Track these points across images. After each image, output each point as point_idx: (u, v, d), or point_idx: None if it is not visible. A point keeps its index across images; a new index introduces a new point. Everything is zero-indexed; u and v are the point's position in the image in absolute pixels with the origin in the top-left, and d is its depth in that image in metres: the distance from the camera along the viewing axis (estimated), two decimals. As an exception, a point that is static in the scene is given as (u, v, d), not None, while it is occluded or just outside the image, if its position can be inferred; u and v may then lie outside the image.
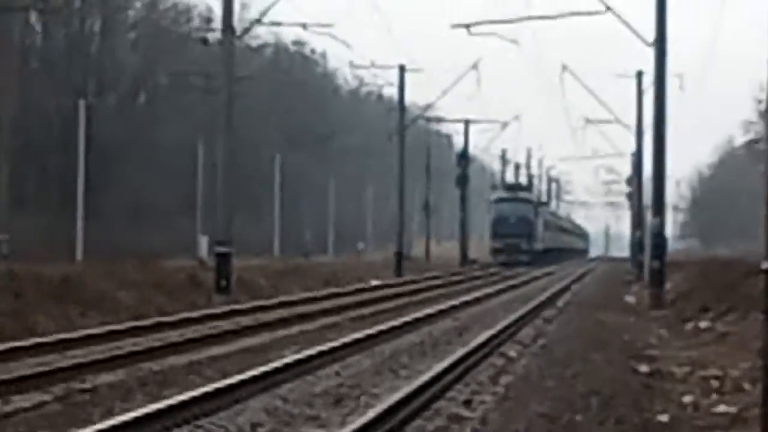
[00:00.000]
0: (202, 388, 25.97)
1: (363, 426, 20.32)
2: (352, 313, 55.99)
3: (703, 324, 46.75)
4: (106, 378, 29.95)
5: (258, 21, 76.98)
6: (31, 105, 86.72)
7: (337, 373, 31.08)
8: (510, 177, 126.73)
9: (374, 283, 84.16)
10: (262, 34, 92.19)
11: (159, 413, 22.28)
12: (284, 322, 49.55)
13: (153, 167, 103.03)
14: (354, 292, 72.46)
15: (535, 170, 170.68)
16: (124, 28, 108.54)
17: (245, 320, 49.31)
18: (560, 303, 63.15)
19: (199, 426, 22.66)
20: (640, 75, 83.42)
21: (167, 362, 34.30)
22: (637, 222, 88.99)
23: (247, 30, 75.50)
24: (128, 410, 22.83)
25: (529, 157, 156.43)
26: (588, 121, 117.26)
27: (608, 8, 66.47)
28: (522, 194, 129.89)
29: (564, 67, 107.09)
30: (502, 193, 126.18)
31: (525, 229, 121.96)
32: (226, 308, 55.47)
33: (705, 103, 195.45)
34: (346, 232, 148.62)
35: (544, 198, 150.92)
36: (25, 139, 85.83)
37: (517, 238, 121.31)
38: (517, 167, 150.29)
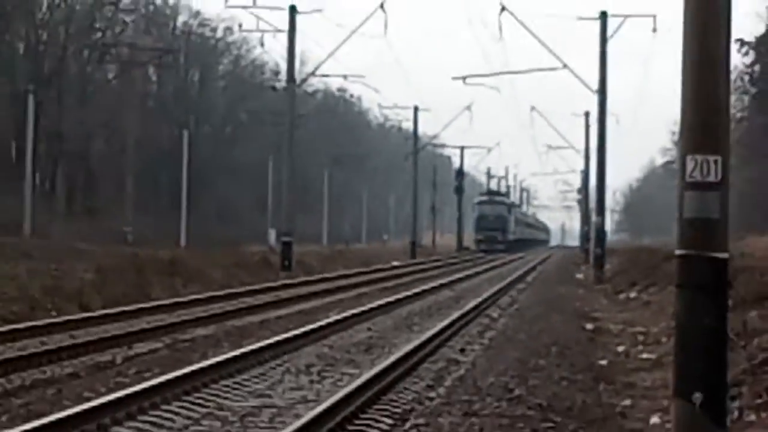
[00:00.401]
0: (271, 339, 26.84)
1: (387, 367, 21.11)
2: (379, 285, 55.33)
3: (632, 294, 46.93)
4: (201, 331, 30.79)
5: (312, 74, 77.80)
6: (148, 134, 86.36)
7: (368, 329, 31.77)
8: (493, 186, 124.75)
9: (395, 263, 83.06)
10: (315, 83, 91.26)
11: (240, 356, 23.09)
12: (329, 292, 49.09)
13: (236, 179, 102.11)
14: (380, 270, 70.33)
15: (511, 182, 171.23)
16: (216, 78, 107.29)
17: (302, 290, 48.55)
18: (529, 279, 62.98)
19: (270, 367, 23.15)
20: (587, 114, 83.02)
21: (246, 320, 34.92)
22: (585, 220, 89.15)
23: (304, 80, 75.38)
24: (218, 354, 23.98)
25: (506, 172, 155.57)
26: (550, 147, 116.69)
27: (565, 65, 67.43)
28: (498, 198, 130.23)
29: (532, 108, 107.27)
30: (482, 197, 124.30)
31: (500, 224, 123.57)
32: (288, 282, 55.13)
33: (635, 133, 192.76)
34: (374, 226, 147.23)
35: (516, 201, 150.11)
36: (144, 158, 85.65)
37: (494, 231, 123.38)
38: (498, 180, 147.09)
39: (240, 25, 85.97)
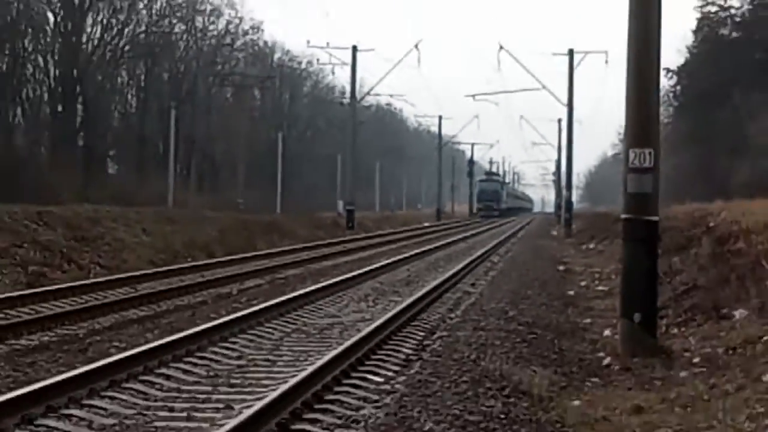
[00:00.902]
0: (340, 277, 26.78)
1: (421, 296, 21.34)
2: (414, 240, 53.62)
3: (591, 246, 46.48)
4: (291, 272, 30.61)
5: (367, 93, 79.14)
6: (254, 136, 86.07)
7: (407, 270, 31.53)
8: (493, 170, 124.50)
9: (425, 224, 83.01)
10: (370, 99, 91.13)
11: (319, 289, 23.02)
12: (380, 244, 48.59)
13: (315, 167, 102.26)
14: (416, 229, 69.32)
15: (507, 168, 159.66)
16: (301, 96, 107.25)
17: (361, 243, 47.19)
18: (519, 235, 63.25)
19: (339, 296, 23.01)
20: (560, 120, 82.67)
21: (322, 264, 34.60)
22: (558, 194, 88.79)
23: (362, 98, 76.11)
24: (303, 288, 23.64)
25: (503, 161, 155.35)
26: (534, 143, 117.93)
27: (544, 87, 67.66)
28: (494, 177, 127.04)
29: (521, 116, 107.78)
30: (482, 177, 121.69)
31: (495, 196, 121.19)
32: (351, 237, 54.74)
33: (593, 133, 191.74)
34: (411, 199, 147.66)
35: (508, 180, 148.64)
36: (251, 153, 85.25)
37: (490, 202, 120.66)
38: (497, 166, 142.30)
39: (318, 60, 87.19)
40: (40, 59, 69.23)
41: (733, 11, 69.23)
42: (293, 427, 9.73)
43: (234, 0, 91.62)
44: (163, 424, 10.02)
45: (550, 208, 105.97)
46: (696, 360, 15.10)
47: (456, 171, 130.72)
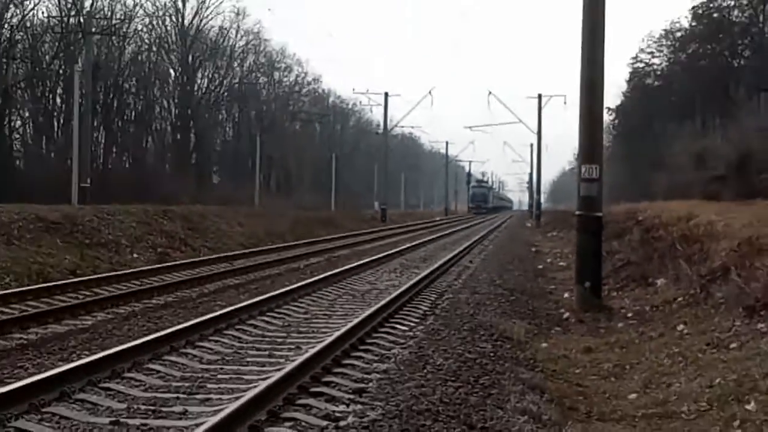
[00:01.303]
0: (376, 256, 26.10)
1: (434, 269, 21.01)
2: (429, 229, 51.59)
3: (554, 233, 45.60)
4: (342, 252, 30.10)
5: (395, 126, 78.44)
6: (315, 155, 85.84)
7: (424, 251, 30.80)
8: (481, 177, 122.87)
9: (437, 219, 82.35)
10: (397, 129, 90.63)
11: (362, 264, 22.77)
12: (405, 232, 45.63)
13: (358, 178, 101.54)
14: (430, 222, 68.81)
15: (494, 178, 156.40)
16: (348, 127, 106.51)
17: (391, 232, 45.55)
18: (502, 227, 62.69)
19: (376, 269, 22.65)
20: (532, 145, 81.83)
21: (365, 246, 33.76)
22: (531, 196, 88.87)
23: (391, 129, 75.40)
24: (351, 263, 23.05)
25: (491, 173, 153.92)
26: (514, 161, 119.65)
27: (521, 120, 67.32)
28: (483, 184, 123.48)
29: (505, 142, 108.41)
30: (474, 183, 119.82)
31: (483, 198, 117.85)
32: (384, 227, 52.70)
33: (556, 153, 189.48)
34: (427, 200, 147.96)
35: (495, 186, 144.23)
36: (314, 168, 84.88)
37: (480, 202, 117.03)
38: (487, 176, 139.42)
39: (360, 102, 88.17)
40: (165, 102, 69.82)
41: (655, 66, 69.17)
42: (343, 362, 9.71)
43: (301, 60, 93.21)
44: (252, 359, 10.09)
45: (525, 207, 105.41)
46: (629, 315, 15.20)
47: (458, 181, 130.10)
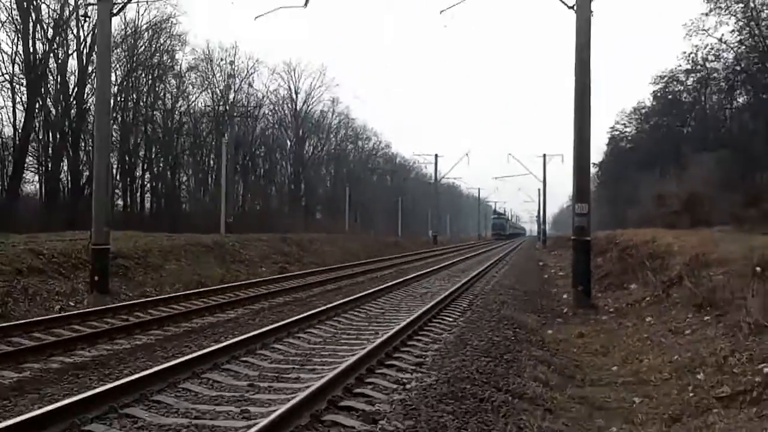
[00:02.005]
0: (430, 268, 25.76)
1: (471, 278, 20.68)
2: (467, 249, 51.11)
3: (556, 252, 45.52)
4: (406, 266, 29.38)
5: (442, 177, 77.29)
6: (387, 200, 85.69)
7: (464, 264, 29.98)
8: (500, 210, 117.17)
9: (471, 242, 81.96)
10: (444, 180, 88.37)
11: (421, 275, 22.45)
12: (450, 252, 45.21)
13: (417, 215, 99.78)
14: (467, 244, 68.67)
15: (512, 212, 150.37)
16: (410, 179, 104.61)
17: (440, 252, 45.17)
18: (518, 248, 61.82)
19: (429, 278, 22.25)
20: (539, 190, 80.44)
21: (422, 262, 32.99)
22: (539, 225, 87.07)
23: (439, 180, 74.47)
24: (413, 273, 22.62)
25: (511, 209, 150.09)
26: (525, 201, 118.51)
27: (530, 172, 66.45)
28: (501, 216, 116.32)
29: (519, 188, 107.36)
30: (494, 216, 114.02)
31: (502, 227, 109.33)
32: (436, 248, 51.41)
33: (557, 195, 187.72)
34: (465, 230, 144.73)
35: (511, 217, 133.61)
36: (386, 209, 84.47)
37: (499, 230, 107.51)
38: (507, 211, 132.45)
39: (417, 161, 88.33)
40: (283, 163, 70.64)
41: (626, 133, 68.36)
42: (408, 343, 9.69)
43: (377, 132, 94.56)
44: (345, 340, 10.14)
45: (535, 234, 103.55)
46: (611, 310, 15.00)
47: (486, 215, 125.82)
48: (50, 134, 39.16)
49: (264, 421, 5.28)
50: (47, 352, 8.73)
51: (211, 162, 54.36)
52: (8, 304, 12.53)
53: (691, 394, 7.49)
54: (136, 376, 6.82)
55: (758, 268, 11.28)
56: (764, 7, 36.43)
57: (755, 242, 14.50)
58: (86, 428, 5.62)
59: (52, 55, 38.02)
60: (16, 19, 35.91)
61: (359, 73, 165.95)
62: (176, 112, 50.68)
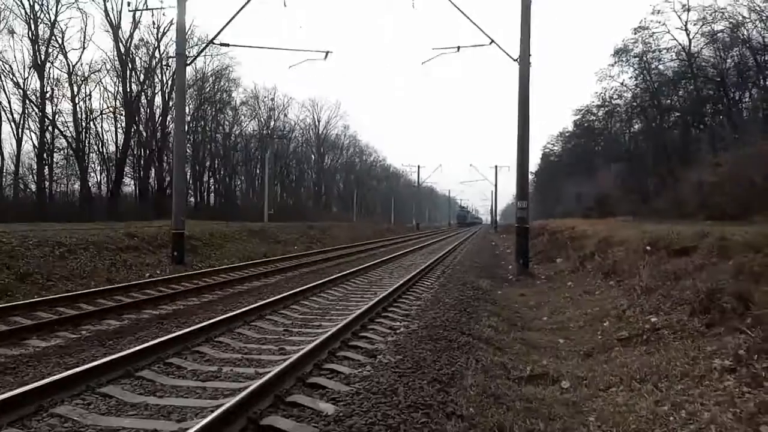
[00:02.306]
0: (414, 247, 25.23)
1: (441, 255, 20.35)
2: (441, 234, 50.82)
3: (504, 236, 44.69)
4: (396, 245, 28.30)
5: (423, 182, 76.27)
6: (383, 200, 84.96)
7: (437, 244, 29.36)
8: (464, 206, 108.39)
9: (444, 228, 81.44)
10: (425, 184, 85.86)
11: (407, 251, 21.93)
12: (428, 236, 44.35)
13: (405, 209, 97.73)
14: (441, 230, 68.33)
15: (473, 207, 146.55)
16: (399, 184, 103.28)
17: (422, 235, 44.64)
18: (477, 234, 61.18)
19: (413, 253, 21.70)
20: (491, 192, 79.57)
21: (407, 243, 31.54)
22: (493, 216, 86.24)
23: (421, 184, 73.13)
24: (401, 251, 22.20)
25: (472, 205, 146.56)
26: (483, 199, 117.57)
27: (486, 178, 65.67)
28: (463, 209, 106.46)
29: (480, 190, 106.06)
30: (459, 209, 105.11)
31: (464, 218, 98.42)
32: (418, 233, 51.02)
33: (506, 194, 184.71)
34: (438, 219, 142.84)
35: (472, 211, 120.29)
36: (383, 205, 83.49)
37: (462, 220, 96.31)
38: (469, 206, 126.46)
39: (406, 170, 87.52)
40: (309, 172, 70.11)
41: (555, 150, 68.18)
42: (400, 299, 9.65)
43: (378, 149, 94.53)
44: (353, 298, 10.02)
45: (489, 223, 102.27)
46: (543, 277, 14.88)
47: (453, 209, 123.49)
48: (142, 150, 39.21)
49: (294, 356, 5.27)
50: (140, 306, 8.71)
51: (257, 171, 54.24)
52: (112, 273, 12.54)
53: (599, 337, 7.45)
54: (204, 323, 6.81)
55: (648, 247, 11.31)
56: (654, 61, 36.54)
57: (646, 229, 14.46)
58: (169, 361, 5.63)
59: (143, 93, 38.17)
60: (117, 68, 36.28)
61: (365, 105, 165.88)
62: (232, 135, 50.71)
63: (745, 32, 30.16)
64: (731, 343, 5.43)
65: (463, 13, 15.87)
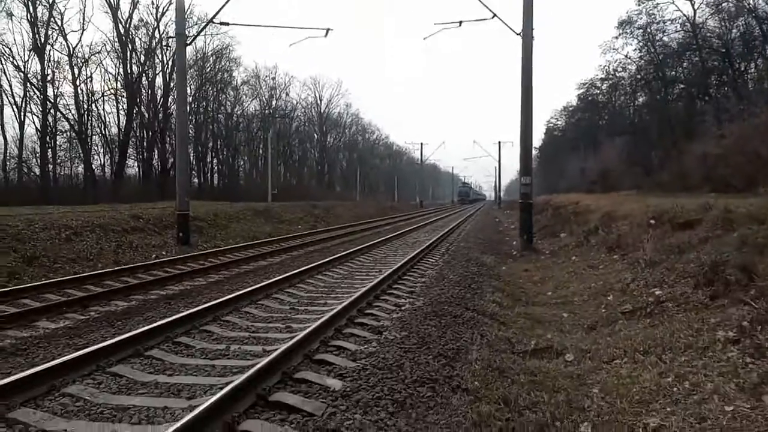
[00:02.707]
0: (419, 224, 25.12)
1: (446, 232, 20.21)
2: (444, 210, 50.10)
3: (508, 212, 44.33)
4: (400, 223, 28.31)
5: (426, 160, 76.51)
6: (386, 178, 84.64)
7: (442, 222, 29.19)
8: (466, 182, 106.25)
9: (448, 205, 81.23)
10: (428, 162, 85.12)
11: (411, 229, 21.77)
12: (431, 213, 44.44)
13: (408, 187, 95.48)
14: (443, 207, 68.12)
15: (475, 182, 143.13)
16: (402, 161, 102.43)
17: (425, 212, 44.30)
18: (480, 210, 60.76)
19: (418, 230, 21.52)
20: (495, 168, 79.79)
21: (411, 220, 31.49)
22: (497, 192, 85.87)
23: (424, 162, 73.12)
24: (405, 228, 22.11)
25: (475, 180, 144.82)
26: (486, 176, 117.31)
27: (489, 154, 65.28)
28: (466, 185, 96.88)
29: (482, 167, 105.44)
30: (461, 185, 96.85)
31: (467, 194, 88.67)
32: (422, 210, 50.68)
33: (510, 170, 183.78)
34: (443, 196, 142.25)
35: (475, 186, 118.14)
36: (386, 183, 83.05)
37: (464, 196, 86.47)
38: (472, 182, 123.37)
39: (408, 147, 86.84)
40: (312, 151, 69.89)
41: (558, 125, 67.69)
42: (405, 276, 9.65)
43: (379, 127, 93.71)
44: (358, 276, 10.02)
45: (493, 199, 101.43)
46: (547, 252, 14.88)
47: (456, 185, 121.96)
48: (144, 132, 39.12)
49: (301, 334, 5.29)
50: (147, 287, 8.75)
51: (260, 151, 53.99)
52: (119, 254, 12.58)
53: (603, 310, 7.45)
54: (210, 303, 6.84)
55: (651, 221, 11.28)
56: (658, 32, 35.96)
57: (650, 202, 14.41)
58: (177, 340, 5.66)
59: (144, 74, 37.91)
60: (118, 50, 36.01)
61: (367, 82, 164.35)
62: (234, 115, 50.31)
63: (751, 1, 29.66)
64: (735, 314, 5.42)
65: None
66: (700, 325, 5.59)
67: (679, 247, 8.53)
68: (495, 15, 15.61)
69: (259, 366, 4.30)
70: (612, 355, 5.47)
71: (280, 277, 9.02)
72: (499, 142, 67.80)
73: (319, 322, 5.74)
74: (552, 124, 69.81)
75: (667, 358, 5.06)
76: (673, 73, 36.60)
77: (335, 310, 6.30)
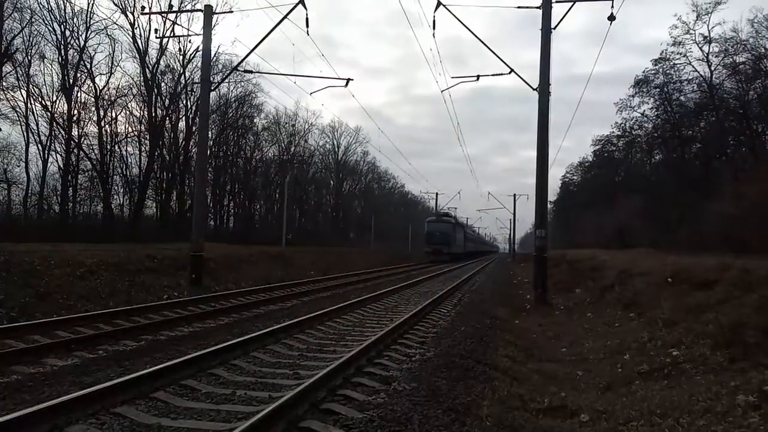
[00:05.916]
0: (433, 273, 24.87)
1: (462, 280, 19.99)
2: (459, 261, 52.83)
3: (522, 265, 44.46)
4: (414, 271, 27.99)
5: (441, 209, 76.77)
6: (401, 223, 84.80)
7: (455, 273, 28.73)
8: (476, 228, 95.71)
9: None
10: (430, 203, 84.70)
11: (425, 278, 21.52)
12: (448, 263, 46.26)
13: (421, 236, 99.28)
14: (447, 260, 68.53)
15: (491, 235, 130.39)
16: (418, 211, 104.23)
17: (439, 263, 46.96)
18: (495, 261, 60.94)
19: (431, 281, 21.21)
20: (510, 220, 78.55)
21: (428, 270, 31.11)
22: (511, 245, 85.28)
23: (439, 210, 73.30)
24: (418, 278, 21.83)
25: (489, 232, 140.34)
26: (500, 228, 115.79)
27: (504, 206, 65.20)
28: (447, 215, 59.71)
29: (497, 218, 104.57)
30: (430, 218, 73.49)
31: (445, 239, 50.49)
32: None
33: (525, 222, 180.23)
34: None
35: (489, 239, 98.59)
36: (399, 232, 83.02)
37: (440, 244, 48.11)
38: (486, 235, 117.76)
39: (422, 198, 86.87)
40: (328, 197, 70.51)
41: (574, 180, 67.93)
42: (415, 327, 9.55)
43: (395, 175, 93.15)
44: (369, 324, 9.93)
45: (508, 251, 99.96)
46: (562, 307, 14.66)
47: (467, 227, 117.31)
48: (164, 174, 39.82)
49: (309, 381, 5.24)
50: (157, 328, 8.75)
51: (277, 195, 54.64)
52: (131, 293, 12.63)
53: (619, 370, 7.30)
54: (219, 346, 6.82)
55: (669, 279, 11.12)
56: (675, 92, 36.39)
57: (667, 260, 14.29)
58: (184, 383, 5.62)
59: (168, 118, 38.94)
60: (143, 93, 37.09)
61: (385, 131, 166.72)
62: (253, 160, 51.15)
63: (768, 63, 30.03)
64: (756, 378, 5.28)
65: (485, 44, 16.02)
66: (719, 389, 5.43)
67: (697, 306, 8.39)
68: (512, 70, 15.95)
69: (264, 413, 4.24)
70: (628, 417, 5.30)
71: (290, 322, 8.98)
72: (515, 195, 67.67)
73: (327, 369, 5.68)
74: (568, 179, 70.15)
75: (685, 422, 4.89)
76: (690, 132, 36.79)
77: (343, 359, 6.24)
